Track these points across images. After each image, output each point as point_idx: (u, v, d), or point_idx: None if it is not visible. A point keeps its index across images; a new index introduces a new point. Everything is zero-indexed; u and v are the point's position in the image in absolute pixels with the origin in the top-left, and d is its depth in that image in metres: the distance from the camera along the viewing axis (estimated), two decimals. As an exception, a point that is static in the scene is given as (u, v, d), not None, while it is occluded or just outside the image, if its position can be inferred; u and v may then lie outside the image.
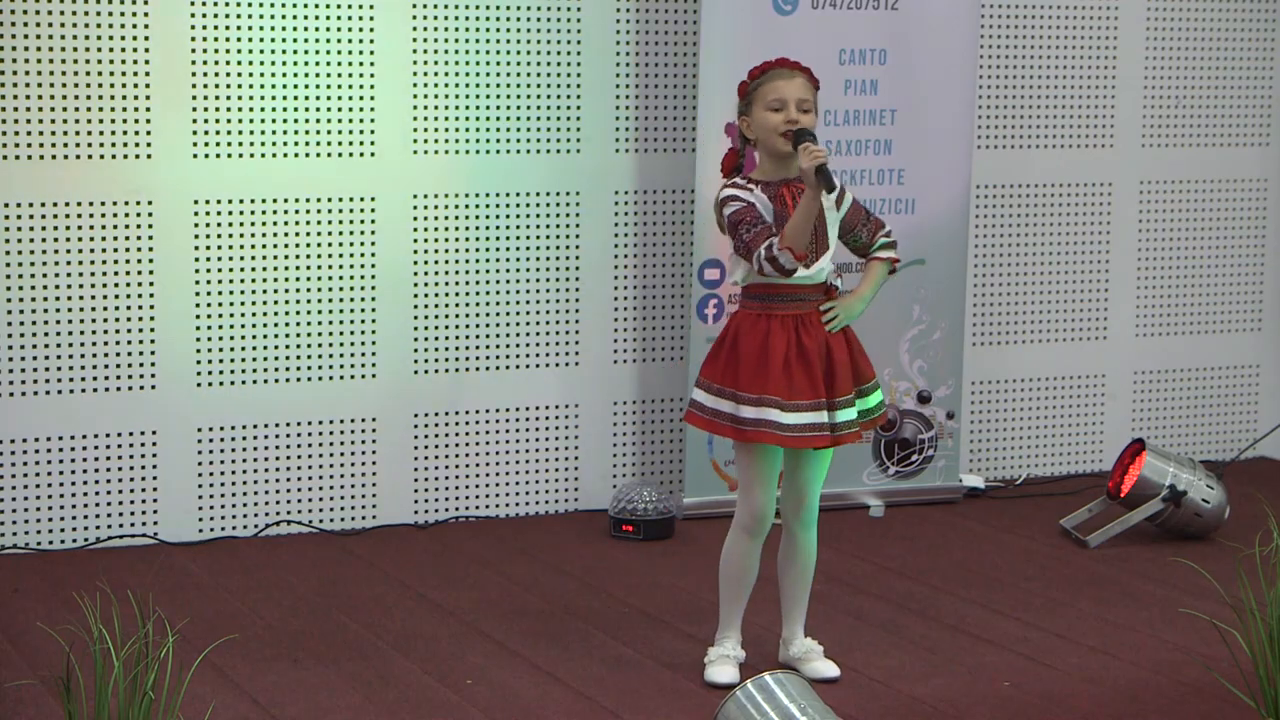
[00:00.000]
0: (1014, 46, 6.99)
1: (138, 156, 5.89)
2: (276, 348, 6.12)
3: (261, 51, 5.99)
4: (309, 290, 6.14)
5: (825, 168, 4.40)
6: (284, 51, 6.02)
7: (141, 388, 5.97)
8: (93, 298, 5.89)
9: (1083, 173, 7.15)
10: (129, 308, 5.93)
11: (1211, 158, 7.36)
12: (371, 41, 6.12)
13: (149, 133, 5.89)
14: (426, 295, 6.28)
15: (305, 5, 6.03)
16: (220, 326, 6.04)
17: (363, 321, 6.21)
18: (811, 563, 4.76)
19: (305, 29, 6.04)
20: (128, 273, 5.92)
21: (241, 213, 6.03)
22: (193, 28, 5.90)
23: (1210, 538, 6.19)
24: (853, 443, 4.65)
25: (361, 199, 6.17)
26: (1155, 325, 7.36)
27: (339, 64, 6.09)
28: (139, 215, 5.91)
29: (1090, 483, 7.01)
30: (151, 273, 5.94)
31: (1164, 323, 7.38)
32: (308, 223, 6.12)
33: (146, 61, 5.86)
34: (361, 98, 6.13)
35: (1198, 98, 7.32)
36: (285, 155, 6.06)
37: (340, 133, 6.12)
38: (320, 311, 6.16)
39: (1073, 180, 7.14)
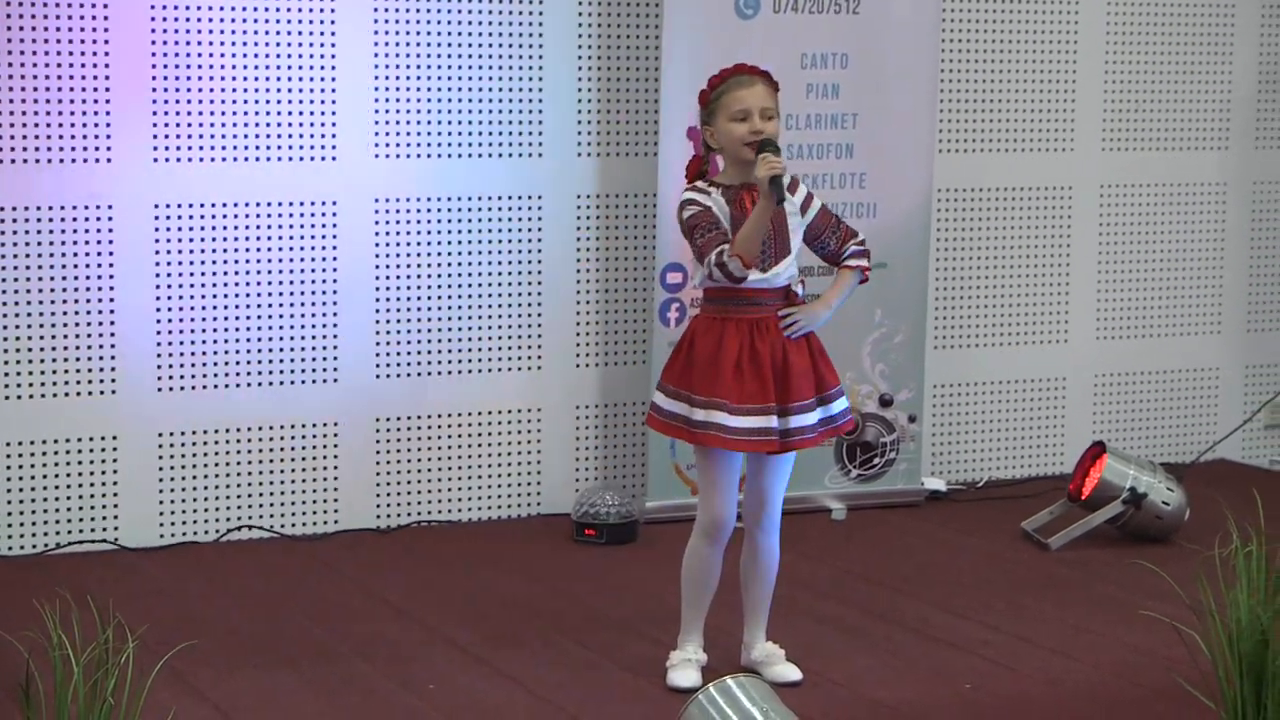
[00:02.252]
0: (975, 51, 7.00)
1: (98, 160, 5.86)
2: (237, 352, 6.09)
3: (222, 55, 5.97)
4: (270, 294, 6.12)
5: (779, 180, 4.40)
6: (244, 55, 6.00)
7: (102, 392, 5.94)
8: (53, 302, 5.86)
9: (1043, 177, 7.18)
10: (89, 312, 5.90)
11: (1170, 162, 7.39)
12: (333, 45, 6.10)
13: (109, 137, 5.86)
14: (388, 299, 6.26)
15: (266, 9, 6.01)
16: (181, 331, 6.01)
17: (324, 325, 6.19)
18: (774, 568, 4.76)
19: (266, 32, 6.01)
20: (88, 277, 5.89)
21: (202, 217, 6.00)
22: (152, 31, 5.88)
23: (1170, 540, 6.21)
24: (811, 447, 4.64)
25: (323, 203, 6.15)
26: (1115, 329, 7.39)
27: (300, 67, 6.07)
28: (99, 220, 5.88)
29: (1051, 485, 7.03)
30: (112, 277, 5.91)
31: (1124, 326, 7.41)
32: (269, 227, 6.09)
33: (106, 65, 5.83)
34: (323, 101, 6.11)
35: (1157, 102, 7.35)
36: (246, 159, 6.04)
37: (302, 136, 6.10)
38: (281, 316, 6.14)
39: (1033, 184, 7.16)
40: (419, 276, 6.29)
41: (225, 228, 6.03)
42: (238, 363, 6.09)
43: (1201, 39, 7.37)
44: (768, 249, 4.53)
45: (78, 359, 5.90)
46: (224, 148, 6.00)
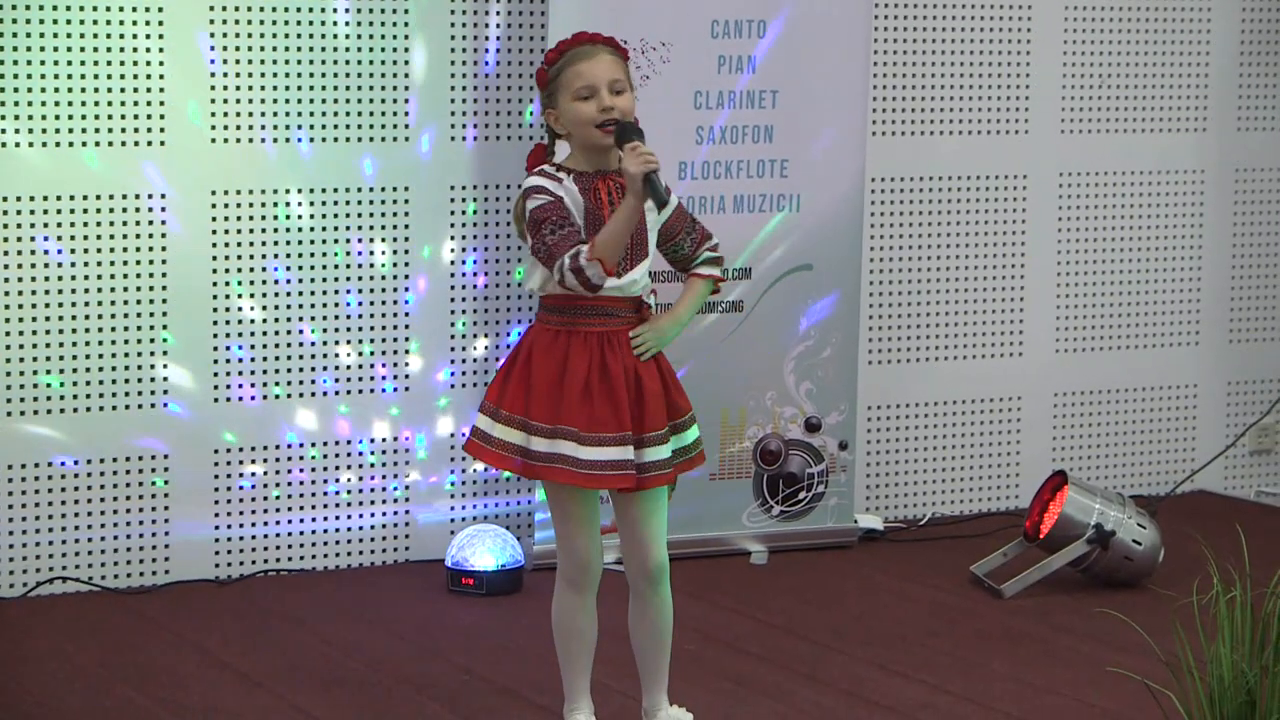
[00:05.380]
0: (914, 16, 7.05)
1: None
2: (49, 372, 6.04)
3: (41, 23, 5.93)
4: (86, 303, 6.07)
5: (654, 176, 4.39)
6: (54, 21, 5.95)
7: (-114, 421, 5.90)
8: None
9: (993, 163, 7.23)
10: None
11: (1140, 145, 7.47)
12: (160, 9, 6.07)
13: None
14: (228, 310, 6.23)
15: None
16: (-20, 347, 5.97)
17: (152, 341, 6.16)
18: (667, 622, 4.73)
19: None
20: None
21: (4, 213, 5.95)
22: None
23: (1142, 585, 6.27)
24: (665, 484, 4.62)
25: (149, 195, 6.12)
26: (1078, 340, 7.45)
27: (118, 32, 6.04)
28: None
29: (1005, 522, 7.08)
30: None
31: (1088, 337, 7.47)
32: (84, 224, 6.04)
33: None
34: (149, 76, 6.08)
35: (1124, 76, 7.42)
36: (45, 145, 5.99)
37: (122, 116, 6.06)
38: (102, 329, 6.09)
39: (982, 172, 7.22)
40: (264, 282, 6.26)
41: (23, 224, 5.97)
42: (48, 385, 6.04)
43: (1175, 1, 7.45)
44: (624, 251, 4.52)
45: None
46: (17, 130, 5.94)
